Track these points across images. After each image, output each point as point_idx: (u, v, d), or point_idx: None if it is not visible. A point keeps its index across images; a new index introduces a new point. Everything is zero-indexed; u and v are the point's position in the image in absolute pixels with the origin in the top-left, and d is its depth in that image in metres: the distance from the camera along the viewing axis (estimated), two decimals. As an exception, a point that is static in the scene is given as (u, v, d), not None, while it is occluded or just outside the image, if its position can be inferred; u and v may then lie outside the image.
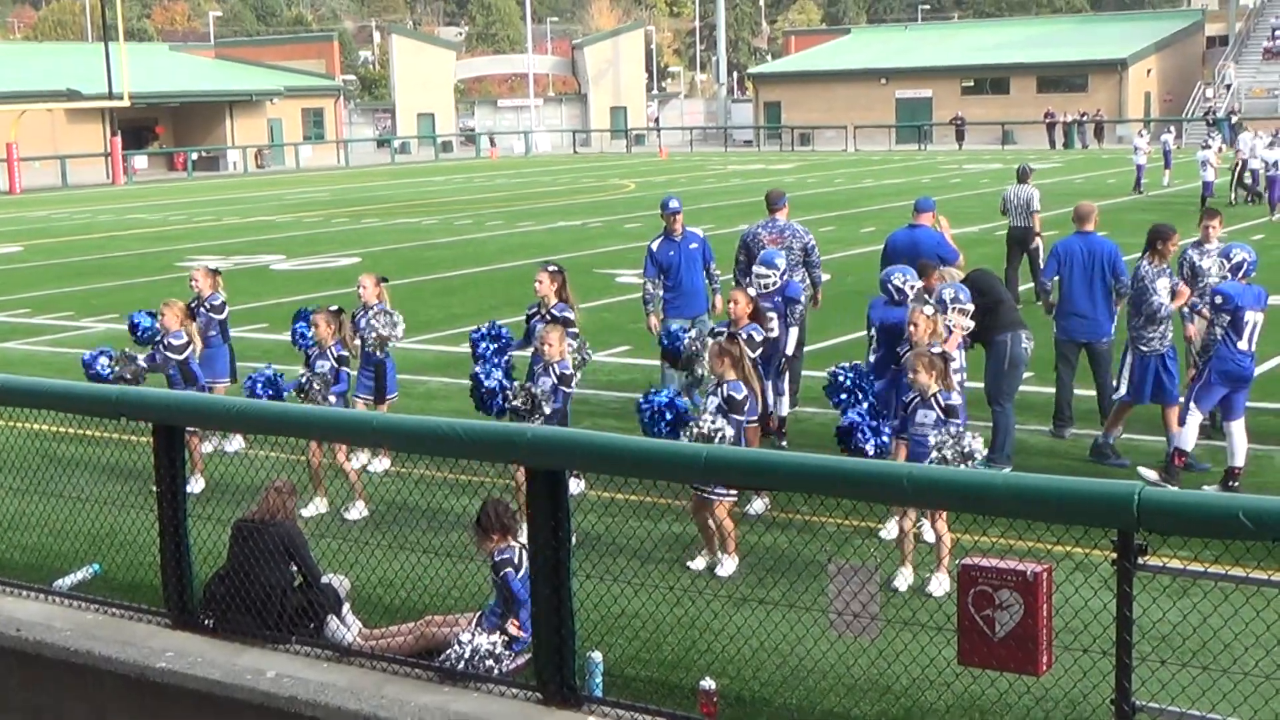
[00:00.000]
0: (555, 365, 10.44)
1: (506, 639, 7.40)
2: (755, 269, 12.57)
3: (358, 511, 10.74)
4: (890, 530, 9.66)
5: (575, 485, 10.19)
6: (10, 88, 65.06)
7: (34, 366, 17.58)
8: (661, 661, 7.54)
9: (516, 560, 7.66)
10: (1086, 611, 6.75)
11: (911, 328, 10.22)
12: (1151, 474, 10.84)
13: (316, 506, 10.91)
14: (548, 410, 10.02)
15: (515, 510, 7.97)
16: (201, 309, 13.13)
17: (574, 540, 6.82)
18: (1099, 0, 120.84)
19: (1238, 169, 36.18)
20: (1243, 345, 10.86)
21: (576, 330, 11.68)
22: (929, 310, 10.40)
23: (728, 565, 9.24)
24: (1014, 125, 76.59)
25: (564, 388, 10.49)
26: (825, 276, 15.30)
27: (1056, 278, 13.02)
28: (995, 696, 6.69)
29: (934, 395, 9.17)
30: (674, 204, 14.35)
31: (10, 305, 24.01)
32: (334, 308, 11.69)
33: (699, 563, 9.36)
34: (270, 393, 10.62)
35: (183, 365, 11.98)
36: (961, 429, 8.84)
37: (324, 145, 79.74)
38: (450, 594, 7.98)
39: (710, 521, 9.30)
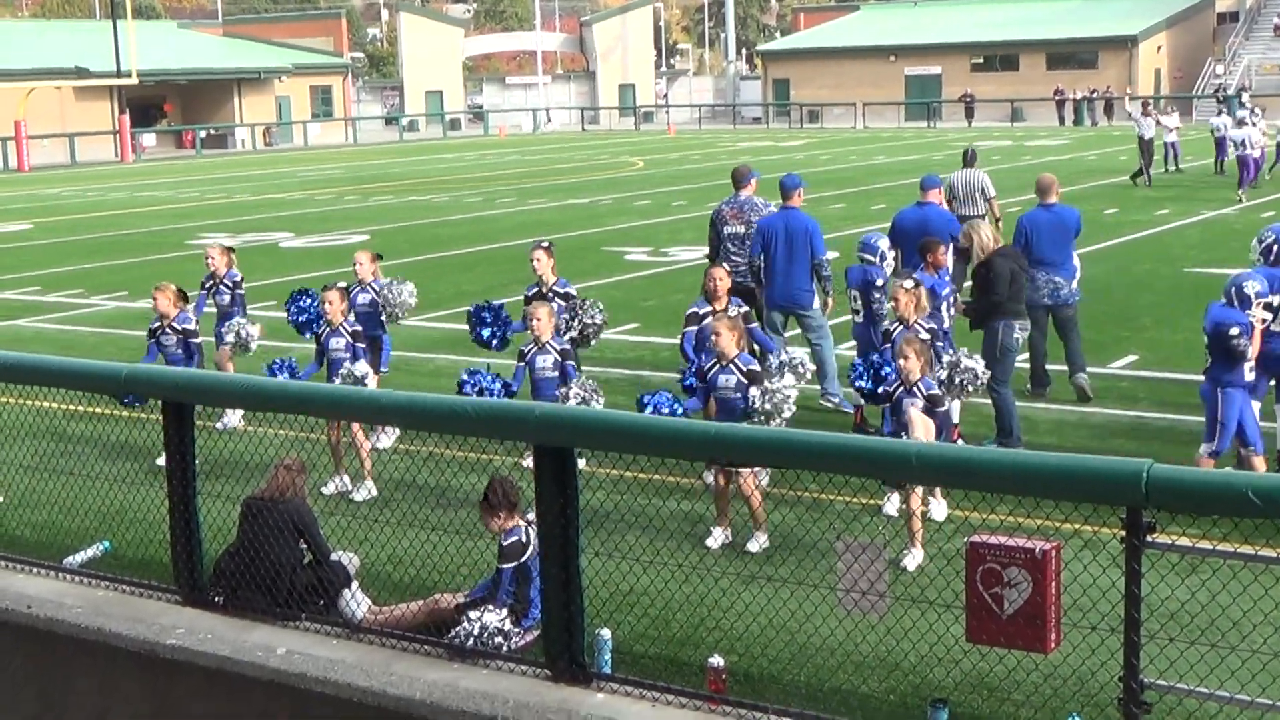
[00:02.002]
0: (552, 343, 10.44)
1: (514, 616, 7.41)
2: (862, 253, 12.38)
3: (366, 492, 10.71)
4: (891, 506, 9.65)
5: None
6: (18, 65, 65.09)
7: (44, 344, 17.61)
8: (670, 638, 7.56)
9: (524, 539, 7.67)
10: (1095, 589, 6.74)
11: (892, 303, 10.21)
12: None
13: (337, 484, 10.89)
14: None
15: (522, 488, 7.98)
16: (221, 286, 13.20)
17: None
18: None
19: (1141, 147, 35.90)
20: (1276, 327, 10.52)
21: (579, 299, 11.81)
22: (909, 284, 10.40)
23: (758, 539, 9.20)
24: (1023, 102, 76.32)
25: (568, 362, 10.52)
26: (833, 254, 15.24)
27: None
28: (1003, 674, 6.69)
29: (916, 383, 9.15)
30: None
31: (20, 283, 24.04)
32: (343, 284, 11.70)
33: (715, 539, 9.33)
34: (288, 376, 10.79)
35: (187, 345, 11.98)
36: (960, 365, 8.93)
37: (332, 123, 79.71)
38: (459, 571, 7.99)
39: (738, 494, 9.26)
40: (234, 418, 12.71)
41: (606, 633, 7.00)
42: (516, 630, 7.30)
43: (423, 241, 28.04)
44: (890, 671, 7.05)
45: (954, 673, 6.78)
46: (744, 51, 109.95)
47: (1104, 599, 6.46)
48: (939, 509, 8.96)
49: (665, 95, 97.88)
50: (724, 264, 12.59)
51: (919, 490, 8.86)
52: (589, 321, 11.84)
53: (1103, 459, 5.73)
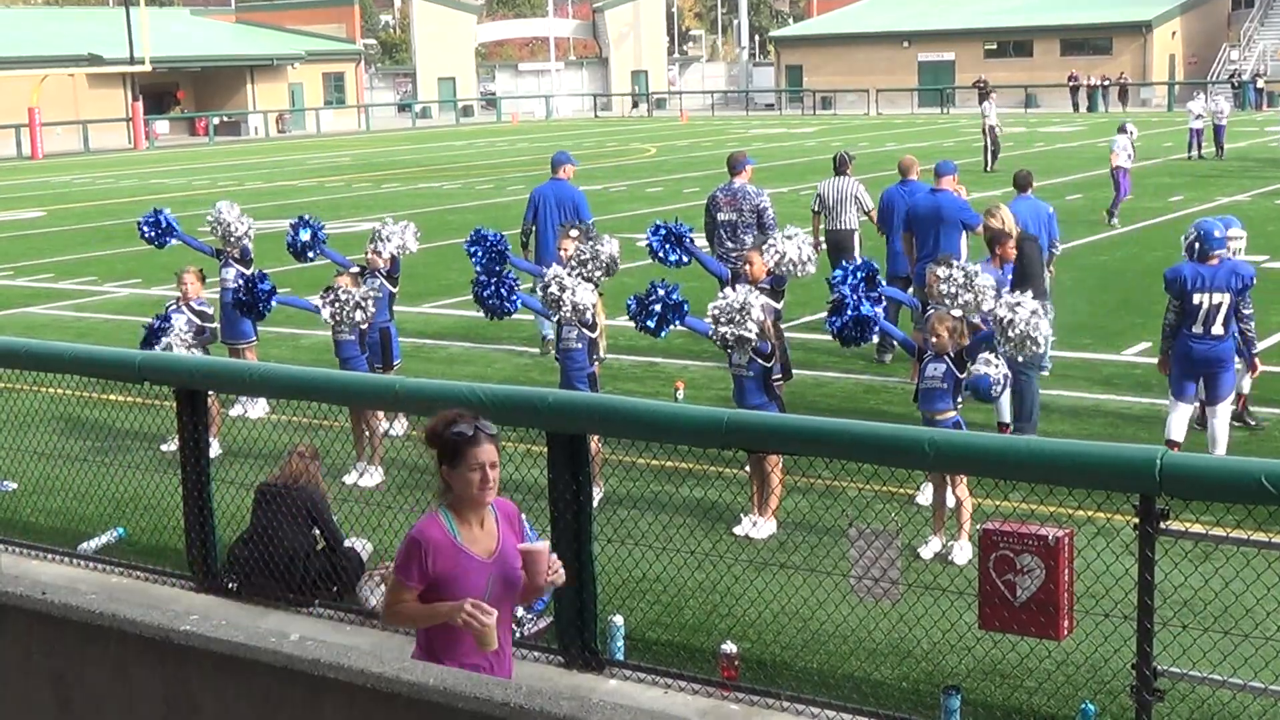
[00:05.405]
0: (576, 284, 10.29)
1: (526, 603, 7.42)
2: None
3: (374, 476, 10.64)
4: (925, 496, 9.63)
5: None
6: (32, 52, 65.16)
7: (58, 331, 17.65)
8: (683, 625, 7.56)
9: None
10: (1108, 576, 6.74)
11: (926, 289, 10.22)
12: None
13: (372, 475, 10.76)
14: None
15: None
16: (230, 261, 13.01)
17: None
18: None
19: (987, 136, 35.74)
20: (1197, 329, 10.07)
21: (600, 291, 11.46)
22: (941, 272, 10.33)
23: (763, 527, 9.18)
24: (1037, 88, 76.07)
25: (587, 331, 10.39)
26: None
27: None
28: (1016, 661, 6.69)
29: (945, 353, 9.16)
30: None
31: (34, 270, 24.09)
32: (355, 270, 11.66)
33: (743, 526, 9.29)
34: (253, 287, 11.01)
35: (200, 333, 11.85)
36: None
37: (345, 110, 79.71)
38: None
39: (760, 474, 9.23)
40: (255, 408, 12.67)
41: (619, 619, 7.01)
42: (529, 617, 7.31)
43: (433, 228, 27.98)
44: (903, 658, 7.05)
45: (966, 660, 6.78)
46: (757, 38, 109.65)
47: (1117, 586, 6.46)
48: (962, 553, 8.80)
49: (676, 82, 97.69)
50: (719, 248, 12.67)
51: (964, 479, 8.78)
52: (604, 251, 11.51)
53: (1117, 446, 5.73)
